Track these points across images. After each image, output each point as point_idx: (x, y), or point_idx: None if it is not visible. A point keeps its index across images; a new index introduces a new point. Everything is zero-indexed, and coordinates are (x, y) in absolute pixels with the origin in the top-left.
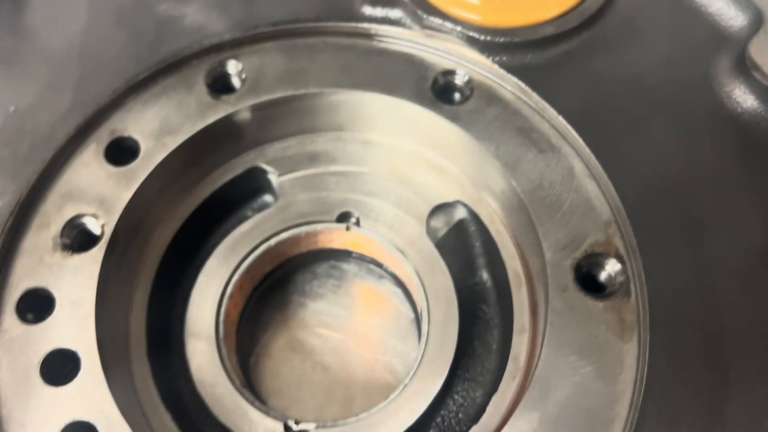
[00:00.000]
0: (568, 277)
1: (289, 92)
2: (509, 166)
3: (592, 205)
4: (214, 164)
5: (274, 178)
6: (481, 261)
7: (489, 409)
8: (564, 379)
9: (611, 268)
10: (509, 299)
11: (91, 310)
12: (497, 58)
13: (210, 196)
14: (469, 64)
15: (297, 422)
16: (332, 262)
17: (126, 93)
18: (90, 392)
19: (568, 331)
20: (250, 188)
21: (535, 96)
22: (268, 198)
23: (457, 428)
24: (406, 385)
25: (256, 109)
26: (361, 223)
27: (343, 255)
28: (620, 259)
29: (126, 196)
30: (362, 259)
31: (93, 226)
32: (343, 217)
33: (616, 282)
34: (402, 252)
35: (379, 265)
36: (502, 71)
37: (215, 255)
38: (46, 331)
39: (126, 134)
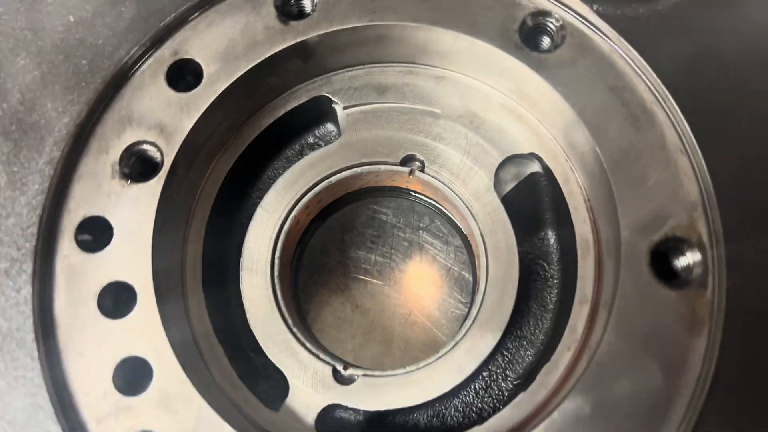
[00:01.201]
0: (643, 261)
1: (363, 22)
2: (595, 128)
3: (680, 183)
4: (278, 91)
5: (339, 109)
6: (548, 219)
7: (539, 377)
8: (624, 367)
9: (690, 256)
10: (574, 265)
11: (148, 243)
12: (596, 5)
13: (271, 124)
14: (564, 8)
15: (346, 367)
16: (390, 204)
17: (190, 10)
18: (144, 328)
19: (635, 318)
20: (313, 118)
21: (633, 52)
22: (331, 130)
23: (504, 386)
24: (457, 342)
25: (326, 37)
26: (426, 168)
27: (403, 197)
28: (701, 247)
29: (187, 125)
30: (423, 205)
31: (152, 154)
32: (407, 161)
33: (694, 272)
34: (466, 205)
35: (440, 213)
36: (600, 20)
37: (274, 188)
38: (103, 262)
39: (188, 56)
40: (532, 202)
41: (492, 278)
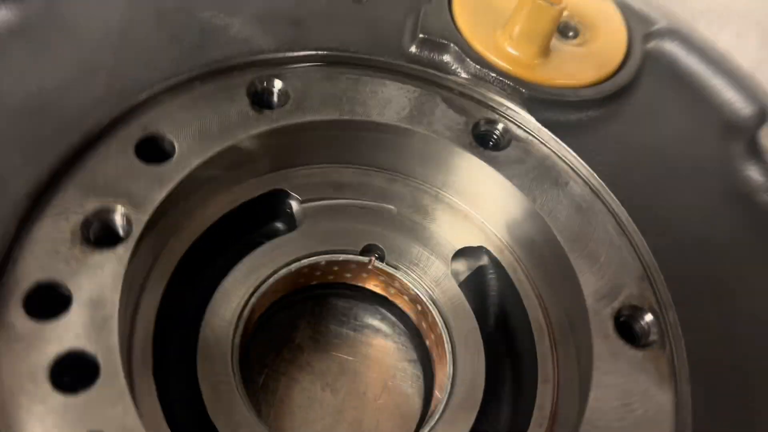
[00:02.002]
0: (609, 326)
1: (335, 115)
2: (548, 215)
3: (625, 259)
4: (239, 179)
5: (295, 204)
6: (500, 309)
7: None
8: (611, 423)
9: (646, 320)
10: (532, 348)
11: (114, 312)
12: (536, 114)
13: (230, 211)
14: (509, 115)
15: None
16: (348, 294)
17: (163, 92)
18: (110, 403)
19: (613, 377)
20: (272, 210)
21: (571, 153)
22: (288, 223)
23: None
24: (432, 428)
25: (297, 129)
26: (386, 258)
27: (360, 290)
28: (654, 312)
29: (159, 195)
30: (380, 297)
31: (119, 222)
32: (367, 250)
33: (652, 334)
34: (428, 291)
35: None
36: (541, 126)
37: (233, 274)
38: (59, 330)
39: (160, 133)
40: (484, 294)
41: (459, 362)
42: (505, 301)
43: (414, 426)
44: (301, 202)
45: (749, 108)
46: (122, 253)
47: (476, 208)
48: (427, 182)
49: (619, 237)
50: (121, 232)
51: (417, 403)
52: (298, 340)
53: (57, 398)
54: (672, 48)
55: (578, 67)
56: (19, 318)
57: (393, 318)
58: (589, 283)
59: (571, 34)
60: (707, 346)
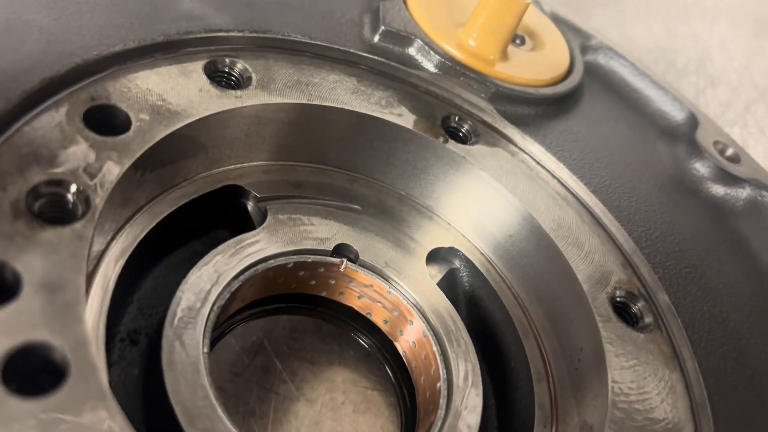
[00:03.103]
0: (608, 309)
1: (303, 100)
2: (529, 204)
3: (607, 247)
4: (192, 171)
5: (251, 202)
6: (478, 311)
7: None
8: (633, 405)
9: (639, 305)
10: (521, 348)
11: (80, 296)
12: (502, 109)
13: (179, 209)
14: (476, 111)
15: None
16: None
17: (110, 59)
18: (89, 407)
19: (626, 360)
20: (226, 208)
21: (538, 147)
22: (242, 223)
23: None
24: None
25: (261, 111)
26: (360, 258)
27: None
28: (643, 296)
29: (115, 170)
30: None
31: (70, 198)
32: (339, 250)
33: (646, 317)
34: (407, 291)
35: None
36: (507, 122)
37: (193, 274)
38: (8, 320)
39: (111, 103)
40: (461, 295)
41: (454, 366)
42: (481, 303)
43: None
44: (259, 200)
45: (681, 114)
46: (81, 229)
47: (444, 208)
48: (391, 183)
49: (595, 226)
50: (73, 208)
51: (394, 415)
52: (269, 348)
53: (15, 404)
54: (606, 61)
55: (534, 68)
56: None
57: (363, 332)
58: (581, 270)
59: (518, 41)
60: (703, 324)
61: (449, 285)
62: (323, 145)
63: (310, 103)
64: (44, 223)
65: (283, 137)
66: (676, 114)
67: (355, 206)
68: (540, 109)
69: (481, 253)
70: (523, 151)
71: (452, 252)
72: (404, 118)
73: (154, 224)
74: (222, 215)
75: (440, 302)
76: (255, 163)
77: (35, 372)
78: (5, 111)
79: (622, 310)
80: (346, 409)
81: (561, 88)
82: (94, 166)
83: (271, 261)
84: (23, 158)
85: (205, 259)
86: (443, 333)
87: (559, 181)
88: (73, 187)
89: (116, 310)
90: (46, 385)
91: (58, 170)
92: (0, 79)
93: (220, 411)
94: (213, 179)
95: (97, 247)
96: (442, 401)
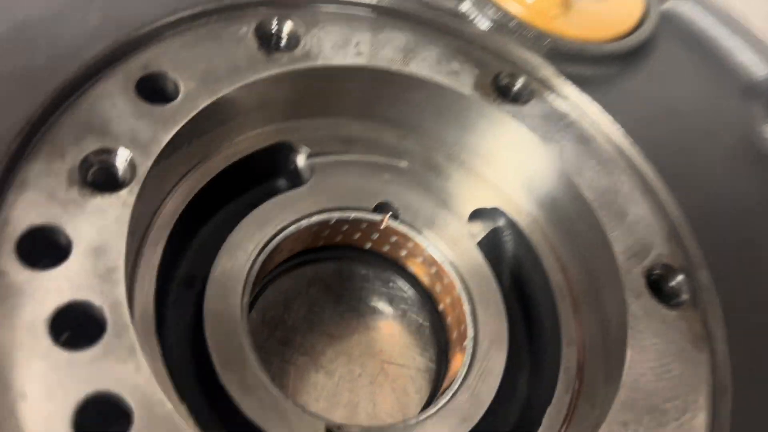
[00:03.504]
0: (641, 284)
1: (353, 59)
2: (574, 171)
3: (653, 218)
4: (243, 129)
5: (302, 158)
6: (517, 272)
7: (545, 421)
8: (649, 384)
9: (677, 280)
10: (554, 310)
11: (120, 261)
12: (559, 66)
13: (234, 163)
14: (531, 68)
15: (339, 427)
16: (359, 258)
17: (165, 28)
18: (120, 360)
19: (649, 337)
20: (277, 163)
21: (595, 108)
22: (293, 179)
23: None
24: (455, 392)
25: (307, 74)
26: (401, 216)
27: (368, 254)
28: (685, 271)
29: (163, 138)
30: (392, 258)
31: (120, 165)
32: (380, 208)
33: (683, 293)
34: (445, 251)
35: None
36: (564, 79)
37: (239, 230)
38: (59, 280)
39: (162, 71)
40: (501, 256)
41: (481, 323)
42: (522, 264)
43: (420, 398)
44: (309, 156)
45: (766, 70)
46: (126, 197)
47: (492, 167)
48: (441, 140)
49: (645, 195)
50: (122, 176)
51: (425, 370)
52: (296, 316)
53: (60, 354)
54: (687, 9)
55: (598, 22)
56: (12, 266)
57: (402, 284)
58: (619, 241)
59: None
60: (745, 307)
61: (491, 245)
62: (373, 102)
63: (358, 64)
64: (94, 191)
65: (334, 95)
66: (760, 69)
67: (402, 163)
68: (601, 67)
69: (526, 215)
70: (578, 111)
71: (496, 212)
72: (456, 75)
73: (206, 181)
74: (273, 171)
75: (477, 262)
76: (305, 120)
77: (77, 328)
78: (67, 82)
79: (657, 285)
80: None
81: (626, 44)
82: (142, 135)
83: (314, 217)
84: (80, 127)
85: (253, 213)
86: (476, 293)
87: (614, 144)
88: (121, 156)
89: (175, 255)
90: (86, 340)
91: (109, 139)
92: (62, 52)
93: (253, 358)
94: (264, 137)
95: (153, 204)
96: (466, 359)
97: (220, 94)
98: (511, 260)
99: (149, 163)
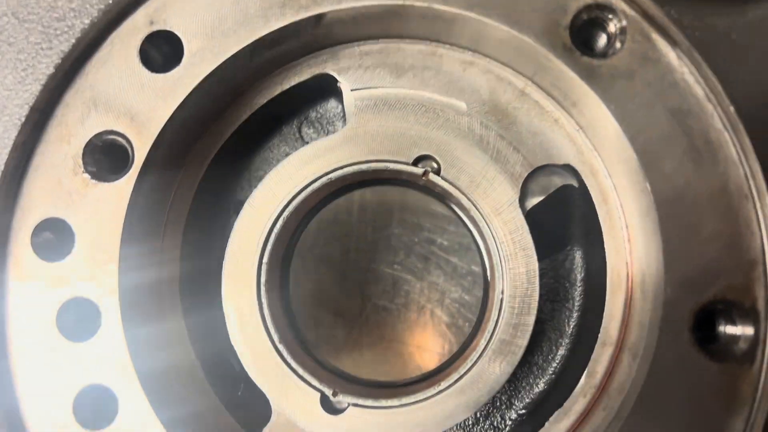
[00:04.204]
0: (685, 324)
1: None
2: (648, 160)
3: (739, 235)
4: (272, 67)
5: (345, 91)
6: (577, 240)
7: (547, 425)
8: None
9: (740, 325)
10: (600, 300)
11: (115, 255)
12: (671, 8)
13: (261, 107)
14: (628, 6)
15: (335, 394)
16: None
17: None
18: (109, 354)
19: (669, 387)
20: (311, 101)
21: (706, 70)
22: (333, 108)
23: (507, 415)
24: (466, 372)
25: (335, 12)
26: (443, 172)
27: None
28: (755, 315)
29: (163, 114)
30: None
31: (122, 145)
32: (421, 161)
33: (740, 343)
34: (486, 220)
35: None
36: (672, 25)
37: (265, 183)
38: (64, 274)
39: (167, 27)
40: (560, 219)
41: (508, 302)
42: (584, 235)
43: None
44: (352, 89)
45: None
46: (123, 185)
47: (572, 112)
48: (514, 71)
49: (740, 202)
50: (126, 155)
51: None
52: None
53: (63, 344)
54: None
55: None
56: (27, 257)
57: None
58: (676, 263)
59: None
60: None
61: (557, 206)
62: (427, 24)
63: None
64: (95, 179)
65: (378, 19)
66: None
67: (460, 103)
68: (718, 14)
69: (608, 177)
70: (682, 71)
71: (567, 171)
72: (520, 14)
73: (237, 125)
74: (311, 107)
75: (520, 239)
76: (353, 45)
77: (79, 319)
78: (70, 51)
79: (706, 328)
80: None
81: None
82: (144, 111)
83: (348, 168)
84: (85, 104)
85: (278, 167)
86: (510, 277)
87: (722, 123)
88: (122, 139)
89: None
90: (87, 331)
91: (112, 118)
92: (59, 14)
93: (266, 312)
94: (306, 66)
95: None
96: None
97: (225, 56)
98: (576, 227)
99: (147, 146)
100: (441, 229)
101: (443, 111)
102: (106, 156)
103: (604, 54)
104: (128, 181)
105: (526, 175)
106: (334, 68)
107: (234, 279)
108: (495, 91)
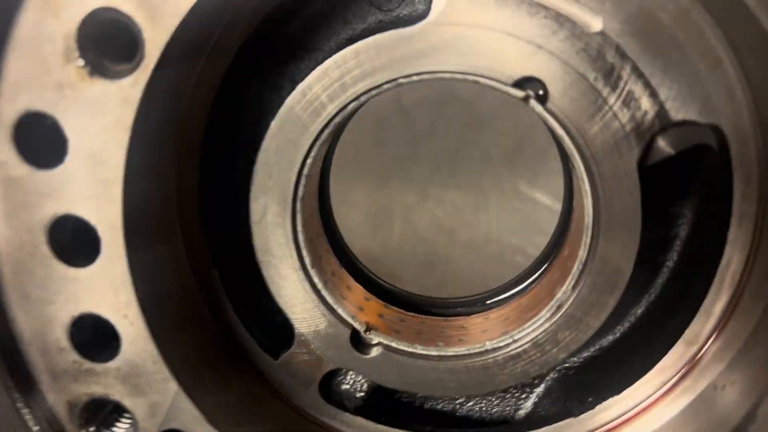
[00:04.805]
0: None
1: None
2: None
3: None
4: None
5: None
6: (692, 212)
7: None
8: None
9: None
10: (711, 271)
11: (119, 174)
12: None
13: None
14: None
15: (367, 330)
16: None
17: None
18: (109, 286)
19: None
20: None
21: None
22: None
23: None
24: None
25: None
26: (549, 102)
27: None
28: None
29: (184, 2)
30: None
31: (128, 29)
32: (525, 82)
33: None
34: (596, 179)
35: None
36: None
37: (314, 76)
38: (56, 185)
39: None
40: (680, 189)
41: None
42: (705, 206)
43: None
44: None
45: None
46: (129, 87)
47: (743, 57)
48: None
49: None
50: (132, 41)
51: None
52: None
53: (56, 265)
54: None
55: None
56: (10, 156)
57: None
58: None
59: None
60: None
61: (680, 173)
62: None
63: None
64: (93, 72)
65: None
66: None
67: (596, 18)
68: None
69: (763, 149)
70: None
71: (710, 129)
72: None
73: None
74: None
75: (624, 212)
76: None
77: (73, 241)
78: None
79: None
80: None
81: None
82: None
83: (424, 75)
84: None
85: (344, 52)
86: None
87: None
88: (129, 22)
89: None
90: (83, 255)
91: None
92: None
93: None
94: None
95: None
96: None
97: None
98: (696, 199)
99: (163, 40)
100: None
101: (569, 22)
102: (107, 42)
103: None
104: (137, 80)
105: (655, 131)
106: None
107: (265, 193)
108: (649, 7)
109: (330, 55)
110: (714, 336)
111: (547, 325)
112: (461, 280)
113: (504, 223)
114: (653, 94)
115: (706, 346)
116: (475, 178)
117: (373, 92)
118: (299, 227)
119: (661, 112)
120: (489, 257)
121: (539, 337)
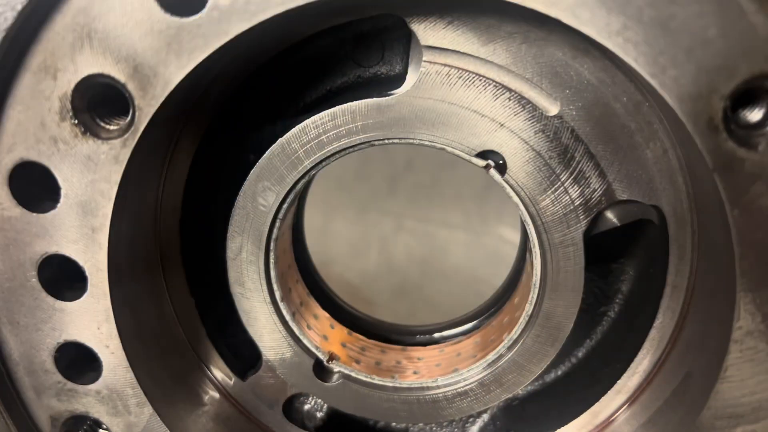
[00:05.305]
0: None
1: None
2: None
3: None
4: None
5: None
6: (634, 269)
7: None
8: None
9: None
10: (646, 328)
11: (106, 223)
12: None
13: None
14: None
15: (330, 359)
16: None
17: None
18: (93, 318)
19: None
20: (362, 47)
21: None
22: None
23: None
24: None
25: None
26: (507, 174)
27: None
28: None
29: (175, 74)
30: None
31: (120, 93)
32: (487, 154)
33: None
34: (546, 252)
35: None
36: None
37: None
38: (47, 228)
39: None
40: (616, 260)
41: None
42: (641, 277)
43: None
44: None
45: None
46: (119, 148)
47: (687, 159)
48: (637, 83)
49: None
50: (125, 103)
51: None
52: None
53: (44, 298)
54: None
55: None
56: (5, 199)
57: None
58: None
59: None
60: None
61: (612, 246)
62: None
63: None
64: (86, 132)
65: None
66: None
67: (553, 102)
68: None
69: (695, 233)
70: None
71: (652, 209)
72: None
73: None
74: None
75: (569, 276)
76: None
77: (61, 277)
78: None
79: None
80: None
81: None
82: (151, 63)
83: (398, 140)
84: (77, 32)
85: (322, 114)
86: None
87: None
88: (123, 88)
89: None
90: (69, 290)
91: (110, 62)
92: None
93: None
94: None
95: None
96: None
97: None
98: (625, 279)
99: (153, 107)
100: None
101: (530, 105)
102: (100, 103)
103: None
104: (127, 142)
105: (602, 207)
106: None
107: (241, 236)
108: (604, 97)
109: (310, 108)
110: (640, 390)
111: (493, 367)
112: (431, 306)
113: (472, 255)
114: (602, 174)
115: (633, 398)
116: (447, 213)
117: (348, 151)
118: (272, 264)
119: (609, 191)
120: (457, 285)
121: (485, 378)
